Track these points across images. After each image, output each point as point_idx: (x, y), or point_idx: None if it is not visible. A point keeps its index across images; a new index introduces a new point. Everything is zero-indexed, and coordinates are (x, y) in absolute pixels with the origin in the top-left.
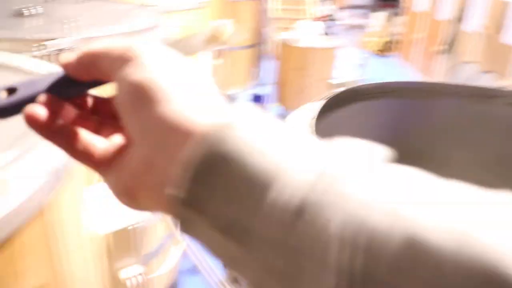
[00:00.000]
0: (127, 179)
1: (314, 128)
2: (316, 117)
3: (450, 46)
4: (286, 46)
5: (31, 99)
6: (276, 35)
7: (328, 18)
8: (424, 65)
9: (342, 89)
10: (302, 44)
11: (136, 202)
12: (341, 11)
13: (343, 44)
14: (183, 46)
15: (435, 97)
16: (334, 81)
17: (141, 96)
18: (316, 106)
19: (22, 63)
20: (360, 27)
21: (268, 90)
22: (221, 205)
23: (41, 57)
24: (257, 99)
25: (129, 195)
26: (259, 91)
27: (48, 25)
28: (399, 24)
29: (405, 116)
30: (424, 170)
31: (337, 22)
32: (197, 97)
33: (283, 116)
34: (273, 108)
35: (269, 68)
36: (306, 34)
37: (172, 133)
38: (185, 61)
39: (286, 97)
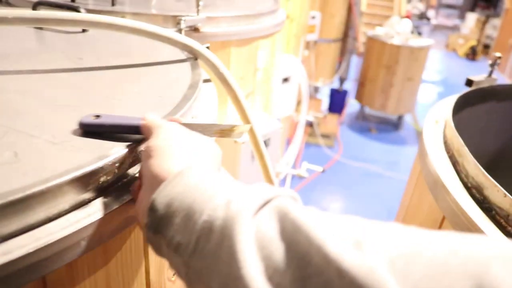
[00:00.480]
0: (136, 205)
1: (452, 123)
2: (451, 113)
3: None
4: (374, 42)
5: (110, 126)
6: (365, 31)
7: (418, 17)
8: None
9: (472, 88)
10: (392, 41)
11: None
12: (431, 10)
13: (431, 44)
14: (197, 129)
15: None
16: (422, 82)
17: (147, 154)
18: (450, 103)
19: (175, 36)
20: (450, 28)
21: (349, 85)
22: (173, 230)
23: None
24: (338, 94)
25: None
26: (341, 86)
27: (177, 2)
28: (492, 27)
29: None
30: None
31: (426, 21)
32: (180, 154)
33: (360, 112)
34: (351, 104)
35: (354, 64)
36: (395, 31)
37: (155, 179)
38: (190, 135)
39: (366, 94)
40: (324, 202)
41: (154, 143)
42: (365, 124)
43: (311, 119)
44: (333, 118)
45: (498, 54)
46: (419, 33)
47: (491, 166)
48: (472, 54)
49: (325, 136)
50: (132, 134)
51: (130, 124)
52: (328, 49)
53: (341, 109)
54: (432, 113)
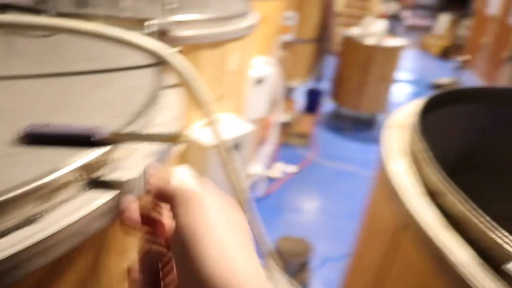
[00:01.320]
0: None
1: (418, 127)
2: (419, 116)
3: None
4: (350, 43)
5: (58, 137)
6: (340, 31)
7: (392, 17)
8: (488, 72)
9: (440, 91)
10: (367, 41)
11: None
12: (405, 11)
13: (405, 44)
14: (145, 139)
15: None
16: (396, 82)
17: (189, 242)
18: (418, 105)
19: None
20: (424, 28)
21: (325, 85)
22: None
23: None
24: (314, 94)
25: None
26: (317, 86)
27: (145, 5)
28: (465, 28)
29: (499, 122)
30: None
31: (400, 22)
32: (237, 249)
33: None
34: (327, 104)
35: (329, 64)
36: (370, 31)
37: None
38: (228, 208)
39: (342, 94)
40: (299, 202)
41: (196, 225)
42: (341, 124)
43: (286, 119)
44: (309, 118)
45: (465, 57)
46: (392, 33)
47: (458, 170)
48: (445, 54)
49: (300, 136)
50: (84, 146)
51: (81, 134)
52: (304, 49)
53: (317, 109)
54: (396, 116)
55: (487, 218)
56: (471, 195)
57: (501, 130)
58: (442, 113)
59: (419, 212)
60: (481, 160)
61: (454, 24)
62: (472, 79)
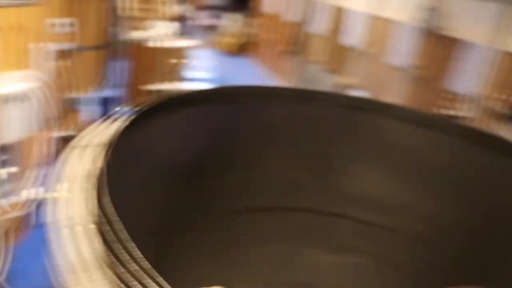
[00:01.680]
0: None
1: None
2: (122, 130)
3: (297, 47)
4: (135, 46)
5: None
6: (127, 35)
7: (183, 18)
8: (274, 64)
9: (163, 96)
10: (152, 44)
11: None
12: (197, 12)
13: (197, 44)
14: None
15: (266, 100)
16: (187, 82)
17: None
18: (126, 114)
19: None
20: (214, 27)
21: (119, 92)
22: None
23: None
24: (105, 102)
25: None
26: (108, 93)
27: None
28: (254, 26)
29: (232, 119)
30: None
31: (191, 23)
32: None
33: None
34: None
35: (121, 70)
36: (158, 34)
37: None
38: None
39: (137, 98)
40: None
41: None
42: None
43: (69, 133)
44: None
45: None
46: (183, 34)
47: (196, 173)
48: (237, 51)
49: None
50: None
51: None
52: (90, 57)
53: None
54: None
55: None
56: (209, 192)
57: (232, 128)
58: (173, 118)
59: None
60: (217, 159)
61: (243, 22)
62: (262, 72)
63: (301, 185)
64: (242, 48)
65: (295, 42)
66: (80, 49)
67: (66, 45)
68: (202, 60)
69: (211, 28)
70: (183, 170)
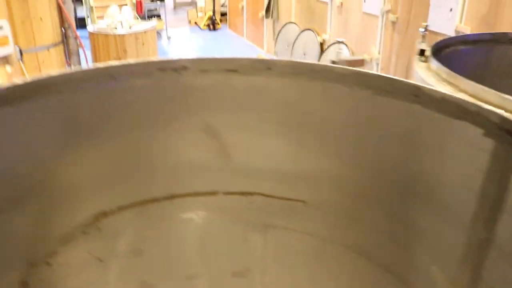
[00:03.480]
0: None
1: None
2: None
3: (271, 11)
4: (98, 36)
5: None
6: (89, 26)
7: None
8: (251, 32)
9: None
10: (115, 31)
11: None
12: None
13: (169, 23)
14: None
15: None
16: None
17: None
18: None
19: None
20: (189, 4)
21: None
22: None
23: None
24: None
25: None
26: None
27: None
28: None
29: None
30: None
31: (161, 3)
32: None
33: None
34: None
35: (84, 62)
36: (117, 21)
37: None
38: None
39: None
40: None
41: None
42: None
43: None
44: None
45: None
46: (158, 16)
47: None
48: (212, 25)
49: None
50: None
51: None
52: (49, 56)
53: None
54: None
55: None
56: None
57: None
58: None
59: None
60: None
61: None
62: (240, 42)
63: (195, 167)
64: (214, 22)
65: (268, 6)
66: (39, 49)
67: (6, 50)
68: (176, 40)
69: (184, 4)
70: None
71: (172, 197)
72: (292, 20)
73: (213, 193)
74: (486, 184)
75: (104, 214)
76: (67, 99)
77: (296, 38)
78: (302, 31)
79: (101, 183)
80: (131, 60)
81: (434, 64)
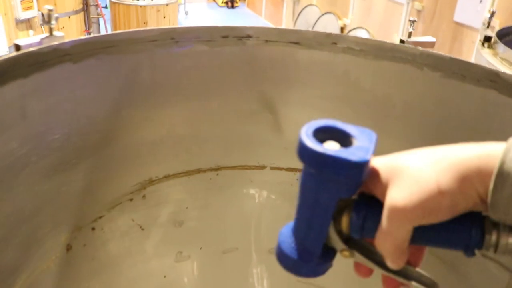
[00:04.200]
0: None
1: None
2: None
3: None
4: (119, 7)
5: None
6: None
7: None
8: (270, 12)
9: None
10: (137, 2)
11: None
12: None
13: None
14: None
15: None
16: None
17: None
18: None
19: None
20: None
21: None
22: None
23: None
24: None
25: None
26: None
27: None
28: None
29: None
30: None
31: None
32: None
33: None
34: None
35: (103, 32)
36: None
37: None
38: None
39: None
40: None
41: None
42: None
43: None
44: None
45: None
46: None
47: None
48: (230, 2)
49: None
50: None
51: None
52: (70, 22)
53: None
54: None
55: None
56: None
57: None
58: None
59: None
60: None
61: None
62: (259, 21)
63: (245, 140)
64: (234, 0)
65: None
66: (61, 15)
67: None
68: (195, 15)
69: None
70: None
71: (218, 168)
72: (313, 3)
73: (261, 167)
74: None
75: (151, 181)
76: (129, 59)
77: (316, 21)
78: (323, 14)
79: (153, 150)
80: (194, 25)
81: (502, 49)
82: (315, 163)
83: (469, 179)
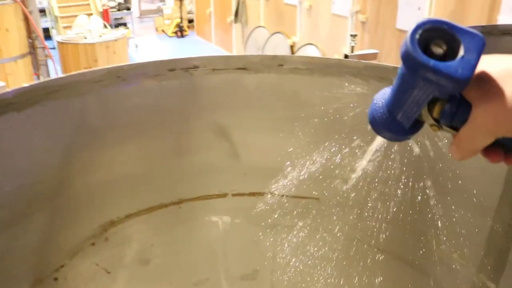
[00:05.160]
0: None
1: None
2: None
3: (240, 15)
4: (67, 46)
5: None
6: (56, 36)
7: (118, 8)
8: (219, 37)
9: None
10: (85, 41)
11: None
12: None
13: (124, 34)
14: None
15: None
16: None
17: None
18: None
19: None
20: (155, 11)
21: None
22: None
23: None
24: None
25: None
26: None
27: None
28: (189, 3)
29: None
30: None
31: (128, 11)
32: None
33: None
34: None
35: (53, 73)
36: (86, 30)
37: None
38: None
39: None
40: None
41: None
42: None
43: None
44: None
45: None
46: (124, 24)
47: None
48: (180, 32)
49: None
50: None
51: None
52: (17, 67)
53: None
54: None
55: None
56: None
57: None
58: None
59: None
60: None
61: (180, 1)
62: (209, 48)
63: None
64: (183, 29)
65: (237, 11)
66: (6, 61)
67: None
68: (145, 47)
69: (151, 12)
70: None
71: (180, 201)
72: (261, 24)
73: (223, 195)
74: None
75: (112, 223)
76: (75, 102)
77: (266, 42)
78: (272, 34)
79: (110, 191)
80: (140, 61)
81: None
82: (416, 70)
83: None
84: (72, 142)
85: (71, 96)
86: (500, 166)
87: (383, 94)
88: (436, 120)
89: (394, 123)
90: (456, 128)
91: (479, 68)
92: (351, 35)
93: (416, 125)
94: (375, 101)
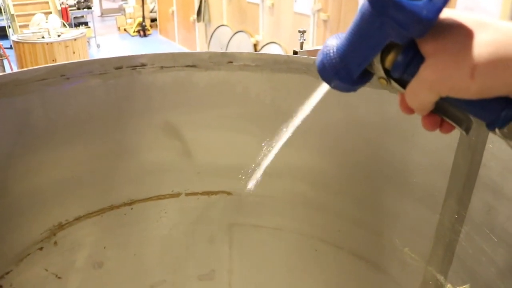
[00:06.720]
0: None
1: None
2: None
3: (203, 14)
4: (23, 46)
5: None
6: (12, 36)
7: (78, 7)
8: (183, 36)
9: None
10: (43, 40)
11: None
12: None
13: (84, 32)
14: None
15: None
16: None
17: None
18: None
19: None
20: (117, 10)
21: None
22: None
23: None
24: None
25: None
26: None
27: None
28: (151, 2)
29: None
30: None
31: (88, 10)
32: None
33: None
34: None
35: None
36: (44, 29)
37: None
38: None
39: None
40: None
41: None
42: None
43: None
44: None
45: None
46: (85, 23)
47: None
48: (142, 31)
49: None
50: None
51: None
52: None
53: None
54: None
55: None
56: None
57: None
58: None
59: None
60: None
61: (142, 0)
62: (172, 47)
63: (155, 169)
64: (146, 28)
65: (199, 10)
66: None
67: None
68: (104, 48)
69: (113, 11)
70: None
71: (132, 202)
72: (224, 23)
73: (176, 195)
74: (458, 161)
75: (61, 226)
76: (17, 101)
77: (229, 41)
78: (235, 33)
79: (57, 193)
80: (85, 59)
81: None
82: (380, 6)
83: (507, 63)
84: (14, 143)
85: (12, 95)
86: (448, 158)
87: (336, 39)
88: (386, 71)
89: (343, 70)
90: (404, 85)
91: (446, 15)
92: (299, 31)
93: (365, 77)
94: (326, 46)
